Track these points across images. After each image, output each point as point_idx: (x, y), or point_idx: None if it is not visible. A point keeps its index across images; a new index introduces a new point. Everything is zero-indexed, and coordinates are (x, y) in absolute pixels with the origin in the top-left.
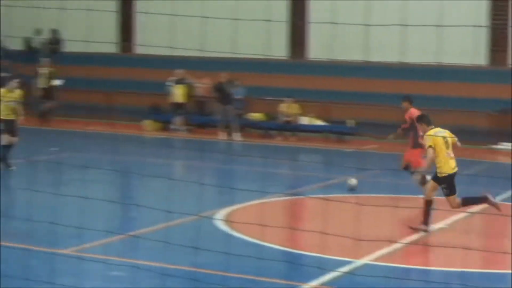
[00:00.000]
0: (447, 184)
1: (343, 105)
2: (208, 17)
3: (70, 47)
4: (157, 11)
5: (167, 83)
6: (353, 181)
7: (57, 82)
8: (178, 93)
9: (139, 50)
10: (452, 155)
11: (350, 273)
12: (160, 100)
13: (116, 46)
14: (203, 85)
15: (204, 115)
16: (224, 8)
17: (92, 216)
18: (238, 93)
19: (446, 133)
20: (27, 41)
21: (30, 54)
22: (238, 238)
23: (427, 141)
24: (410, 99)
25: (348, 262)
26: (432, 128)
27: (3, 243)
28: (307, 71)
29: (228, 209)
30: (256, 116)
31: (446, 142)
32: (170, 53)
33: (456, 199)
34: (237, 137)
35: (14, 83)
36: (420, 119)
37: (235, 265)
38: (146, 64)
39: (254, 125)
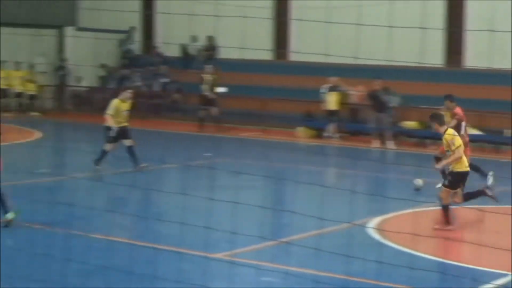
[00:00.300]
0: (453, 178)
1: (501, 114)
2: (362, 24)
3: (225, 53)
4: (312, 18)
5: (321, 90)
6: (419, 182)
7: (221, 90)
8: (331, 101)
9: (293, 57)
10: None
11: (505, 286)
12: (314, 107)
13: (271, 53)
14: (357, 92)
15: (358, 122)
16: (379, 15)
17: (244, 222)
18: (392, 101)
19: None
20: (184, 48)
21: (186, 61)
22: (391, 247)
23: (456, 141)
24: (452, 98)
25: (503, 275)
26: (445, 129)
27: (157, 246)
28: (463, 80)
29: (381, 217)
30: (410, 124)
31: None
32: (325, 60)
33: (456, 195)
34: (390, 145)
35: (128, 93)
36: (434, 117)
37: (387, 274)
38: (300, 71)
39: (408, 133)
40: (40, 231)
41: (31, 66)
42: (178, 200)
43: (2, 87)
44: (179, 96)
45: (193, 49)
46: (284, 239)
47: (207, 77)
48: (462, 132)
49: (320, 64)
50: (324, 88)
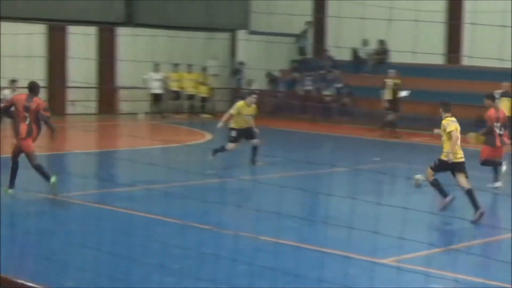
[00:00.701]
0: (440, 163)
1: None
2: None
3: (396, 58)
4: (486, 22)
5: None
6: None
7: (404, 93)
8: (503, 107)
9: (466, 61)
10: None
11: None
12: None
13: (443, 58)
14: None
15: None
16: None
17: (413, 227)
18: None
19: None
20: (354, 52)
21: (356, 64)
22: None
23: (449, 126)
24: (492, 97)
25: None
26: (448, 116)
27: (324, 249)
28: None
29: None
30: None
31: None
32: (498, 65)
33: (431, 174)
34: None
35: (253, 98)
36: (442, 104)
37: None
38: (472, 76)
39: None
40: (208, 231)
41: (203, 69)
42: (346, 203)
43: (175, 89)
44: (349, 100)
45: (363, 53)
46: (454, 246)
47: (389, 81)
48: (498, 131)
49: (493, 69)
50: (496, 93)
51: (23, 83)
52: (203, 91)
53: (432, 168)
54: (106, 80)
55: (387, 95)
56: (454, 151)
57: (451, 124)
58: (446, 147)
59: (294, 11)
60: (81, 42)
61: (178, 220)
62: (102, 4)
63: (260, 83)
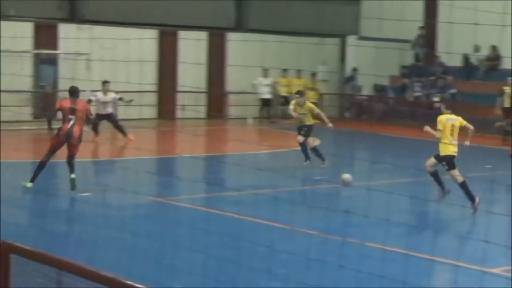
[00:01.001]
0: (446, 161)
1: None
2: None
3: (509, 64)
4: None
5: None
6: (346, 178)
7: None
8: None
9: None
10: (455, 142)
11: None
12: None
13: None
14: None
15: None
16: None
17: None
18: None
19: (457, 120)
20: (465, 58)
21: (467, 70)
22: None
23: (439, 124)
24: None
25: None
26: (447, 113)
27: (433, 258)
28: None
29: None
30: None
31: (453, 130)
32: None
33: (458, 175)
34: None
35: (299, 99)
36: (444, 101)
37: None
38: None
39: None
40: (315, 237)
41: (313, 74)
42: (456, 211)
43: (284, 94)
44: (461, 106)
45: (475, 59)
46: None
47: (507, 89)
48: None
49: None
50: None
51: (135, 87)
52: (312, 97)
53: (450, 169)
54: (215, 85)
55: (505, 102)
56: (441, 149)
57: (442, 123)
58: (441, 144)
59: (404, 17)
60: (192, 47)
61: (285, 225)
62: (213, 9)
63: (369, 89)
